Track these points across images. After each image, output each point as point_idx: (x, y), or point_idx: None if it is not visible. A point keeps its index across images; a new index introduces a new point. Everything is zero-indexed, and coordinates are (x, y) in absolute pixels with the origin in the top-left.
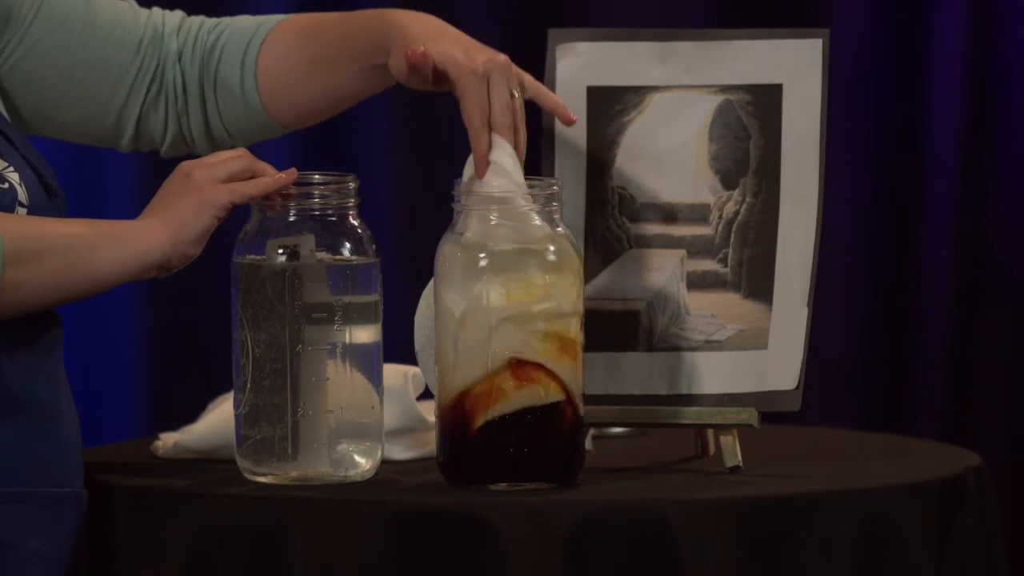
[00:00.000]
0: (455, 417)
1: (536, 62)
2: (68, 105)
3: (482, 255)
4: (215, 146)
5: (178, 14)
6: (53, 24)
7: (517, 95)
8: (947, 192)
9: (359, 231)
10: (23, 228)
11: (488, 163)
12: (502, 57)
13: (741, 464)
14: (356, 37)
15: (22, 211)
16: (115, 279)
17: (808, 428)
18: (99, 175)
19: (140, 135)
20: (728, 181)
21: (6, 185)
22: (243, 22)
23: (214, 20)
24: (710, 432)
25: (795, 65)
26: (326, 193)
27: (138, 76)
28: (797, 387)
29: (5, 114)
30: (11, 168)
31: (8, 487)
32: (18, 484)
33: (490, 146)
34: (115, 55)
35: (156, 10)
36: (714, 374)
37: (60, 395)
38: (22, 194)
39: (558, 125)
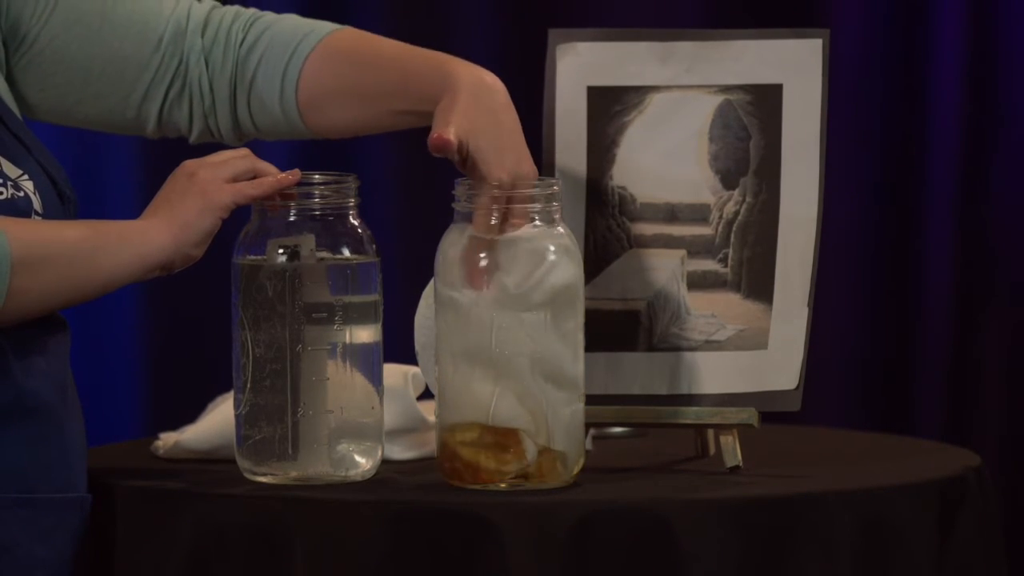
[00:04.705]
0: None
1: (536, 62)
2: (88, 99)
3: (482, 255)
4: (242, 139)
5: (206, 5)
6: (70, 20)
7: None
8: (947, 192)
9: (359, 231)
10: (30, 234)
11: (483, 274)
12: (528, 170)
13: (741, 464)
14: (412, 82)
15: (37, 219)
16: (119, 281)
17: (808, 428)
18: (100, 174)
19: (164, 126)
20: (728, 181)
21: (21, 193)
22: (285, 27)
23: (247, 15)
24: (710, 432)
25: (795, 65)
26: (326, 193)
27: (158, 73)
28: (797, 387)
29: (19, 116)
30: (26, 176)
31: (13, 492)
32: (23, 489)
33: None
34: (133, 51)
35: (184, 1)
36: (714, 374)
37: (67, 399)
38: (37, 203)
39: (558, 125)
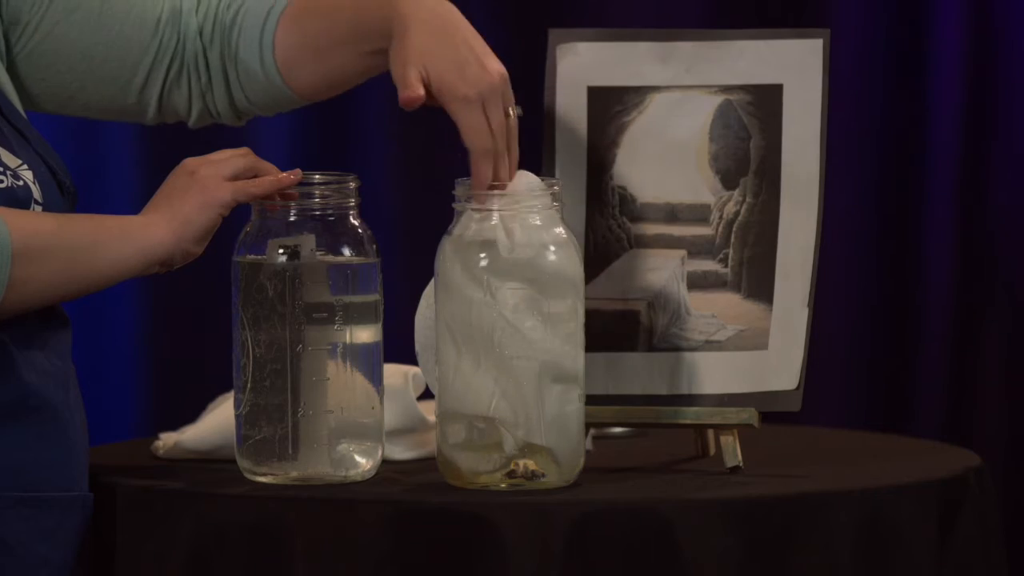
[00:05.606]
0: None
1: (536, 62)
2: (89, 86)
3: (482, 255)
4: (240, 117)
5: None
6: (70, 7)
7: (512, 115)
8: (947, 192)
9: (359, 231)
10: (31, 225)
11: (488, 188)
12: (496, 76)
13: (741, 464)
14: (364, 22)
15: (37, 209)
16: (119, 275)
17: (808, 428)
18: (99, 170)
19: (164, 110)
20: (728, 181)
21: (21, 183)
22: None
23: None
24: (710, 432)
25: (795, 65)
26: (326, 193)
27: (158, 55)
28: (797, 387)
29: (19, 107)
30: (25, 166)
31: (16, 491)
32: (26, 487)
33: (492, 171)
34: (134, 35)
35: None
36: (714, 374)
37: (70, 398)
38: (37, 192)
39: (558, 125)
